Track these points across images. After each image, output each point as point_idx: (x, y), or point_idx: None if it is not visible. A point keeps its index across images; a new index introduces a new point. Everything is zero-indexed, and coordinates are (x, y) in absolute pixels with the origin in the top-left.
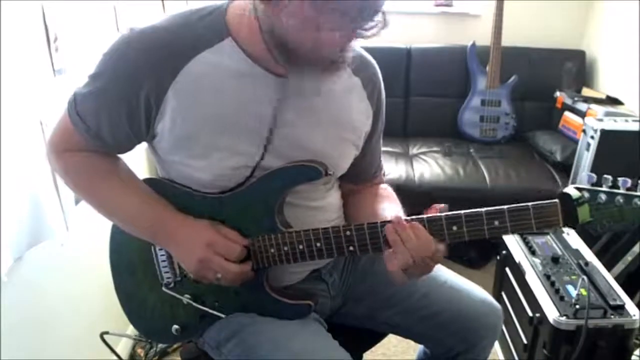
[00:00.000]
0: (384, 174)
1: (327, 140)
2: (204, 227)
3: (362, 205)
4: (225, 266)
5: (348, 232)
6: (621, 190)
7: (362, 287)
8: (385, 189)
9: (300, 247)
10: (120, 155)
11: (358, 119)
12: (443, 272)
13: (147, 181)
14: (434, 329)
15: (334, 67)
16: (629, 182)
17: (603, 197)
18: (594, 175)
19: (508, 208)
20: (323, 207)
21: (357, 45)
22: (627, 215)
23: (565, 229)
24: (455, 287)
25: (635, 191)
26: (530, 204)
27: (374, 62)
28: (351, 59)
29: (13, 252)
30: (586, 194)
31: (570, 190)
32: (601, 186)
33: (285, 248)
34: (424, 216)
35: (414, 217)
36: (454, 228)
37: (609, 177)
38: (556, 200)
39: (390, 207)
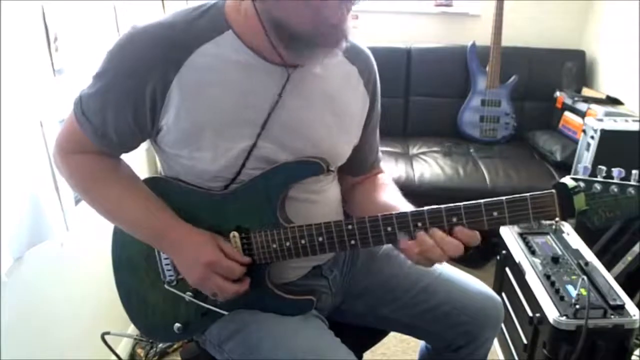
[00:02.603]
0: (381, 167)
1: (326, 128)
2: (205, 243)
3: (363, 197)
4: (223, 286)
5: (350, 226)
6: (615, 180)
7: (362, 283)
8: (383, 178)
9: (303, 241)
10: (122, 157)
11: (356, 106)
12: (442, 266)
13: (150, 180)
14: (434, 323)
15: (334, 42)
16: (623, 172)
17: (598, 186)
18: (589, 167)
19: (506, 199)
20: (322, 202)
21: (354, 35)
22: (621, 204)
23: (565, 229)
24: (454, 281)
25: (629, 181)
26: (527, 194)
27: (368, 51)
28: (348, 39)
29: (13, 252)
30: (582, 184)
31: (566, 180)
32: (596, 177)
33: (288, 243)
34: (424, 208)
35: (414, 210)
36: (454, 219)
37: (603, 167)
38: (552, 190)
39: (390, 195)
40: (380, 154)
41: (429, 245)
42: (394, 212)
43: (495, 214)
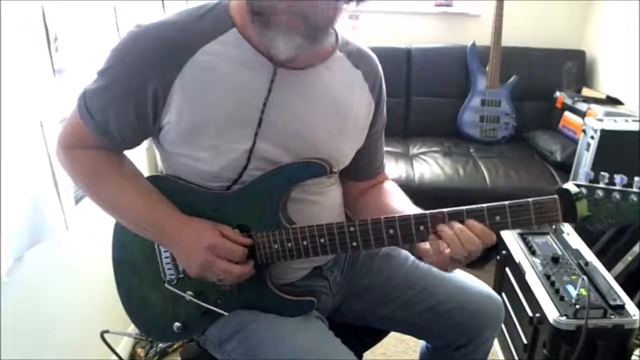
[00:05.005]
0: (387, 173)
1: (328, 131)
2: (205, 229)
3: (372, 204)
4: (227, 268)
5: (352, 228)
6: (618, 187)
7: (362, 283)
8: (390, 185)
9: (304, 243)
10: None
11: (360, 110)
12: None
13: (152, 179)
14: (434, 322)
15: (313, 36)
16: (625, 179)
17: (600, 193)
18: (591, 172)
19: (509, 203)
20: (324, 203)
21: (357, 39)
22: (623, 210)
23: (565, 229)
24: (453, 280)
25: (631, 188)
26: (530, 199)
27: (374, 56)
28: (346, 40)
29: (13, 252)
30: (584, 190)
31: (569, 185)
32: (598, 183)
33: (289, 244)
34: (427, 212)
35: (417, 213)
36: None
37: (606, 174)
38: (555, 195)
39: (399, 201)
40: (384, 160)
41: (465, 233)
42: (396, 215)
43: (497, 218)
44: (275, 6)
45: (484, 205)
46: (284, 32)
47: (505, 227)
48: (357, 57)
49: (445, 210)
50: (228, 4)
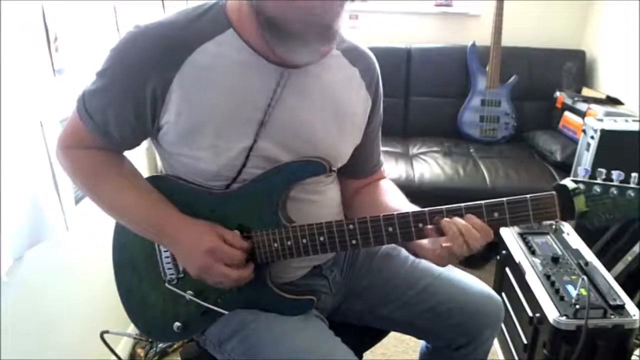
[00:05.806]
0: (383, 171)
1: (326, 129)
2: (204, 232)
3: (368, 201)
4: (226, 273)
5: (351, 226)
6: (615, 183)
7: (362, 283)
8: (387, 183)
9: (304, 241)
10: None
11: (357, 108)
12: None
13: (152, 179)
14: (434, 322)
15: (326, 41)
16: (622, 175)
17: (598, 189)
18: (589, 169)
19: (507, 200)
20: (322, 202)
21: (354, 35)
22: (620, 206)
23: (565, 229)
24: (453, 280)
25: (629, 184)
26: (528, 196)
27: (371, 54)
28: (343, 38)
29: (13, 252)
30: (582, 186)
31: (567, 181)
32: (596, 179)
33: (289, 242)
34: (426, 209)
35: (415, 210)
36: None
37: (603, 170)
38: (553, 192)
39: (396, 199)
40: (382, 158)
41: (469, 230)
42: (395, 212)
43: (496, 214)
44: (289, 17)
45: (482, 202)
46: (304, 40)
47: (504, 224)
48: (353, 55)
49: (444, 207)
50: (225, 4)
